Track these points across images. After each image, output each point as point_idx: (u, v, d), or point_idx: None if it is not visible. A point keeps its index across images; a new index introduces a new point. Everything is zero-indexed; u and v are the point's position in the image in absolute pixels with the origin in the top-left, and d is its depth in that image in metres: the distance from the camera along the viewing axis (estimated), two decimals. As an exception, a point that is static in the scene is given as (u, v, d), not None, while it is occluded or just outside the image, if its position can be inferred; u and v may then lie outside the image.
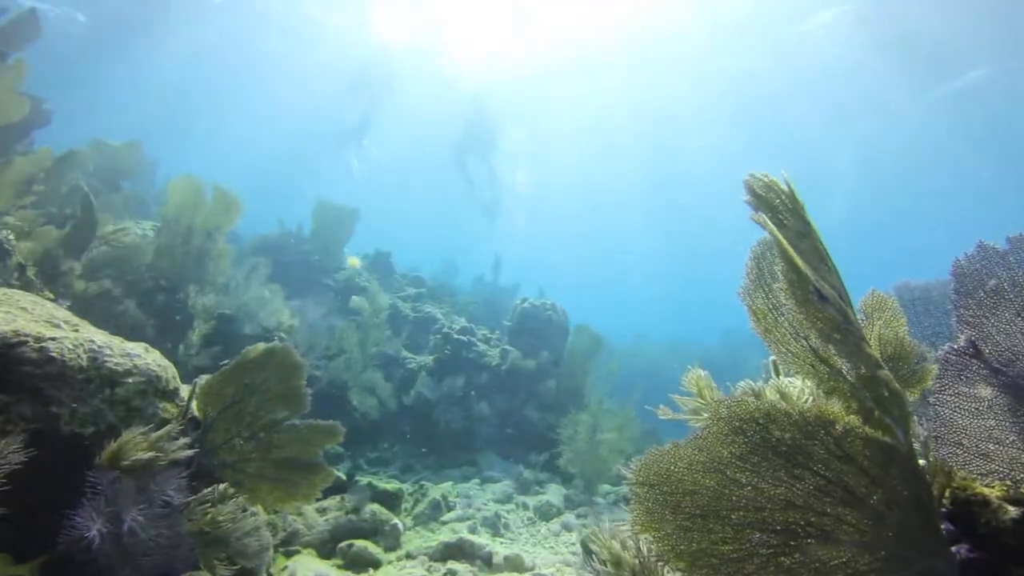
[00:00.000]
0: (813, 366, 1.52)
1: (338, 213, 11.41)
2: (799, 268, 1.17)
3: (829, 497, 1.13)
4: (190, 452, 2.51)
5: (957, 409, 1.34)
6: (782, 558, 1.10)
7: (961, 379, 1.35)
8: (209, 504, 2.75)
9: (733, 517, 1.13)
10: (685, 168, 26.63)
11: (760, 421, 1.15)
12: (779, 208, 1.28)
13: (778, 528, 1.12)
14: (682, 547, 1.14)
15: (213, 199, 7.38)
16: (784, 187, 1.29)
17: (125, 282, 6.50)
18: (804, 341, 1.52)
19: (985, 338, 1.36)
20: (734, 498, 1.14)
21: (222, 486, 2.82)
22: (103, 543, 2.08)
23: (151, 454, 2.31)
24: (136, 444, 2.32)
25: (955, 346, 1.38)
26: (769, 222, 1.22)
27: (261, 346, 2.97)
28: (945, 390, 1.37)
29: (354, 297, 9.11)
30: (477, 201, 21.47)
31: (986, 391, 1.31)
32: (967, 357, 1.35)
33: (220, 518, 2.72)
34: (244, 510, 2.84)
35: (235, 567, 2.77)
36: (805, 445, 1.13)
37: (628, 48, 17.41)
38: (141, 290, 6.61)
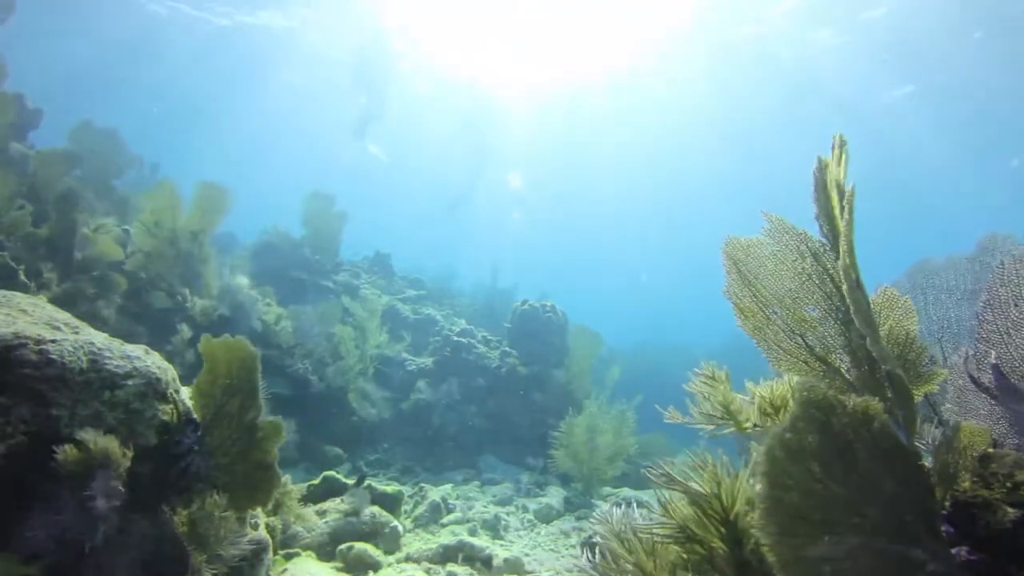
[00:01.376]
0: (807, 363, 1.51)
1: (327, 206, 11.36)
2: (853, 255, 1.17)
3: (863, 497, 1.08)
4: (127, 455, 2.39)
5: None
6: (846, 567, 1.04)
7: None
8: (193, 508, 2.74)
9: (814, 518, 1.04)
10: (686, 169, 26.71)
11: (825, 409, 1.08)
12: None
13: (839, 530, 1.05)
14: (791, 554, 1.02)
15: (197, 199, 7.33)
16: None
17: (115, 283, 6.48)
18: (799, 339, 1.52)
19: (1005, 357, 1.30)
20: (819, 496, 1.05)
21: (205, 489, 2.80)
22: (59, 549, 2.03)
23: (84, 455, 2.23)
24: (77, 448, 2.24)
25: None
26: (835, 195, 1.21)
27: (216, 340, 2.91)
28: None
29: (344, 297, 9.10)
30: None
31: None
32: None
33: (209, 521, 2.70)
34: (225, 513, 2.81)
35: (226, 571, 2.75)
36: (852, 441, 1.08)
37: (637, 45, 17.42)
38: (134, 291, 6.59)
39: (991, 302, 1.35)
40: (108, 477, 2.28)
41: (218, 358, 2.92)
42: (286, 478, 4.30)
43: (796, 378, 1.50)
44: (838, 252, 1.26)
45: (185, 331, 6.52)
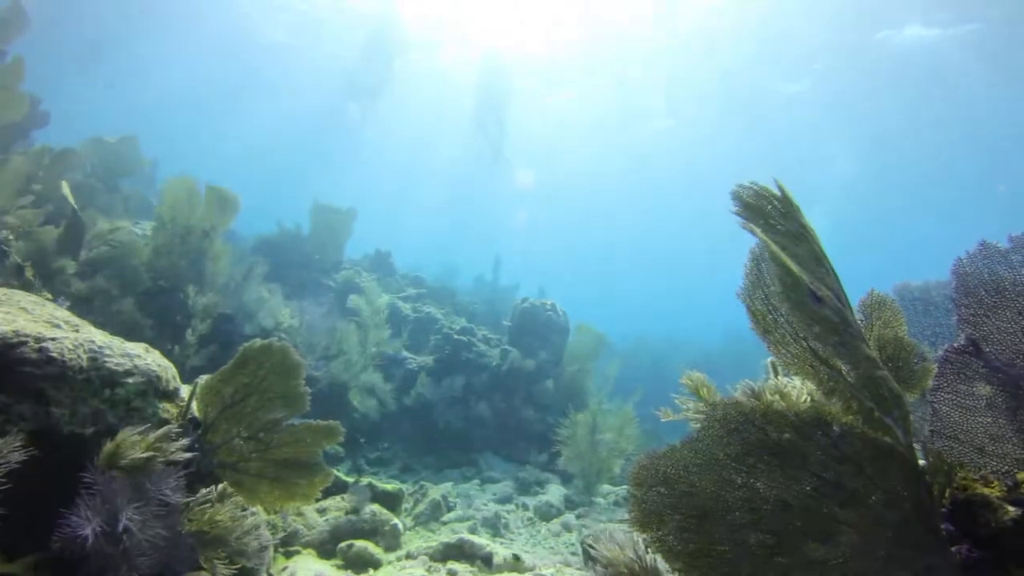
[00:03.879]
0: (812, 367, 1.52)
1: (334, 216, 11.39)
2: (793, 272, 1.18)
3: (827, 498, 1.13)
4: (188, 454, 2.50)
5: (954, 406, 1.35)
6: (779, 558, 1.11)
7: (960, 377, 1.35)
8: (208, 504, 2.75)
9: (728, 518, 1.14)
10: (684, 166, 26.67)
11: (757, 422, 1.16)
12: (771, 214, 1.28)
13: (775, 529, 1.13)
14: (679, 548, 1.16)
15: (207, 198, 7.35)
16: (776, 192, 1.29)
17: (123, 282, 6.50)
18: (803, 342, 1.52)
19: (985, 337, 1.35)
20: (729, 499, 1.15)
21: (221, 486, 2.82)
22: (98, 542, 2.06)
23: (149, 453, 2.31)
24: (133, 443, 2.31)
25: (956, 344, 1.38)
26: (758, 230, 1.22)
27: (259, 343, 2.95)
28: (943, 387, 1.38)
29: (352, 296, 9.10)
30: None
31: (984, 389, 1.32)
32: (967, 355, 1.35)
33: (218, 518, 2.72)
34: (244, 510, 2.84)
35: (235, 567, 2.77)
36: (801, 446, 1.14)
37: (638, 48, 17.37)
38: (140, 290, 6.61)
39: (962, 288, 1.40)
40: (176, 472, 2.34)
41: (250, 359, 2.94)
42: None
43: (783, 378, 1.51)
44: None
45: (198, 327, 6.54)
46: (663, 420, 1.60)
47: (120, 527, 2.12)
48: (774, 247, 1.18)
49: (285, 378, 2.97)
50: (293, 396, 2.98)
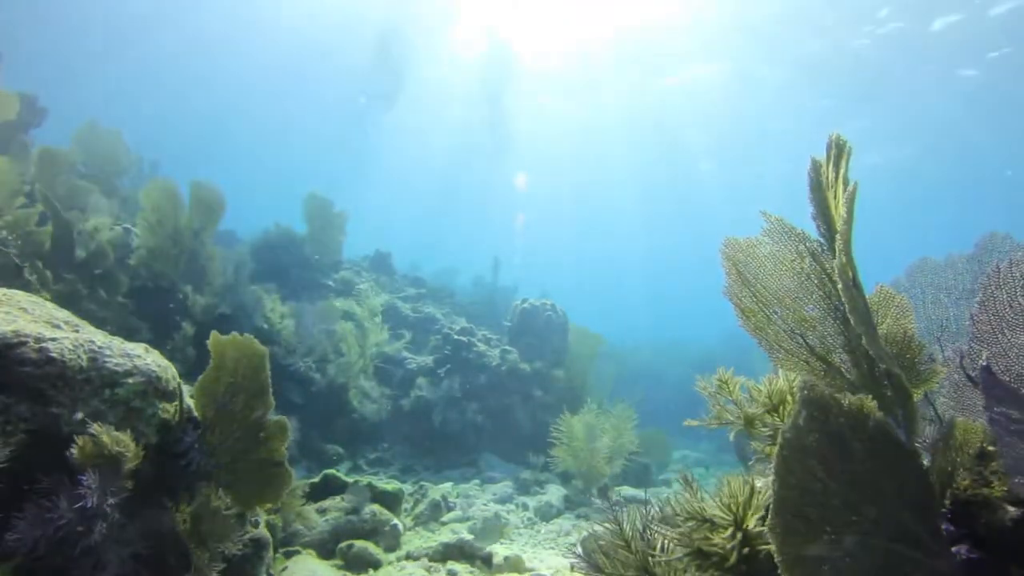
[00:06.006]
0: (808, 363, 1.51)
1: (327, 208, 11.31)
2: (850, 253, 1.16)
3: (861, 494, 1.10)
4: (134, 461, 2.38)
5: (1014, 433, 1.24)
6: (845, 566, 1.05)
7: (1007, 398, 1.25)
8: (195, 506, 2.74)
9: (817, 515, 1.06)
10: (682, 169, 26.68)
11: (823, 407, 1.09)
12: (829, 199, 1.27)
13: (839, 530, 1.06)
14: (788, 553, 1.03)
15: (193, 200, 7.30)
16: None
17: (113, 282, 6.48)
18: (800, 338, 1.52)
19: (997, 357, 1.29)
20: (815, 493, 1.06)
21: (208, 487, 2.81)
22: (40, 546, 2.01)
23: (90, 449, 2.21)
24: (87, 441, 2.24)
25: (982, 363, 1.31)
26: (842, 206, 1.20)
27: (224, 337, 2.89)
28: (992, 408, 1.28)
29: (350, 298, 9.09)
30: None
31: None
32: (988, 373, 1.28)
33: (198, 519, 2.71)
34: (227, 510, 2.82)
35: (225, 566, 2.76)
36: (849, 439, 1.09)
37: (629, 52, 17.41)
38: (125, 290, 6.59)
39: (985, 302, 1.34)
40: (109, 473, 2.27)
41: (226, 355, 2.92)
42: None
43: (793, 375, 1.50)
44: (835, 251, 1.26)
45: (187, 329, 6.52)
46: (686, 424, 1.57)
47: (64, 531, 2.07)
48: (841, 224, 1.16)
49: (256, 372, 2.95)
50: (265, 390, 2.96)
